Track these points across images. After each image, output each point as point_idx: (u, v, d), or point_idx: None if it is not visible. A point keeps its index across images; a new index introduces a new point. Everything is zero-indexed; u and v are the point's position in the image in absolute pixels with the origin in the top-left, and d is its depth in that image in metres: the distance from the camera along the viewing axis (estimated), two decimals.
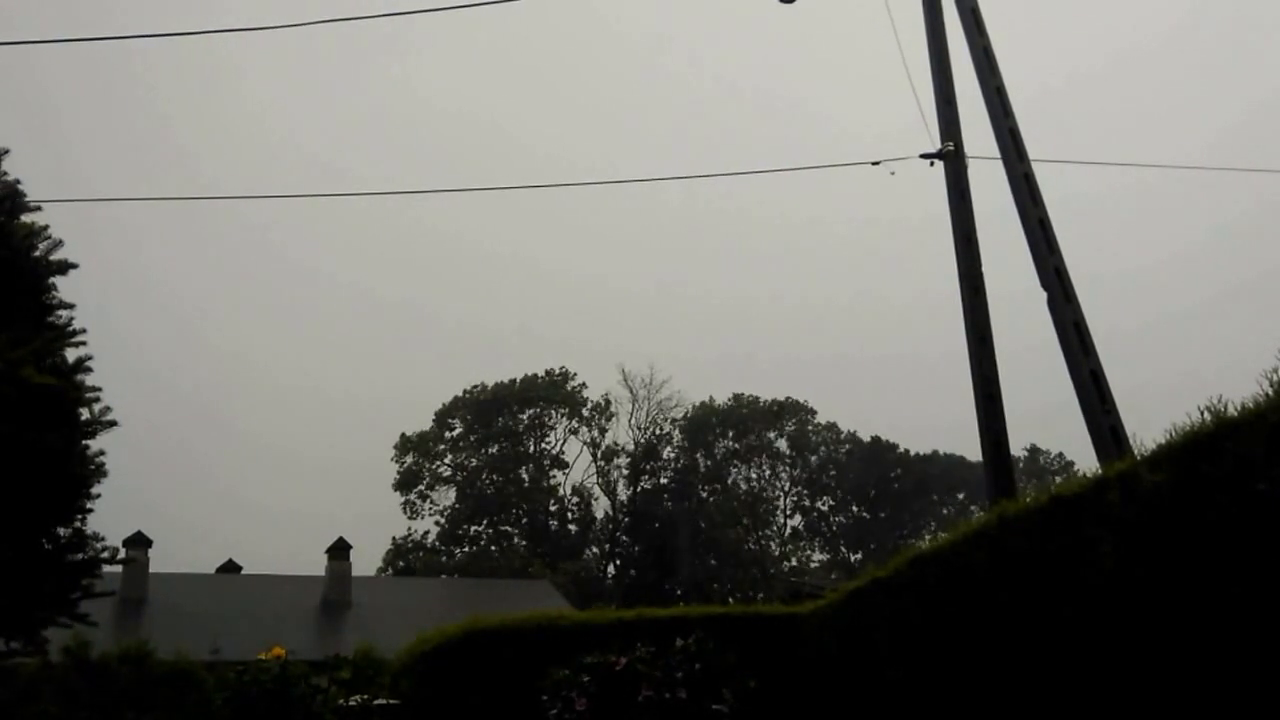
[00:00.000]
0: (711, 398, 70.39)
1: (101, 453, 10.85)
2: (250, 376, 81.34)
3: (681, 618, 12.20)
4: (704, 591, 58.83)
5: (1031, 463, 70.50)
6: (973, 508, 62.06)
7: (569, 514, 65.11)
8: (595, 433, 66.55)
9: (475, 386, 65.75)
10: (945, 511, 70.26)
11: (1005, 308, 14.63)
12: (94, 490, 10.83)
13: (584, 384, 66.31)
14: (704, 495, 67.57)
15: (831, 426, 72.48)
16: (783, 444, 71.50)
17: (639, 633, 11.17)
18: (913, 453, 71.73)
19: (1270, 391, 5.63)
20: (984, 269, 12.69)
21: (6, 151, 10.81)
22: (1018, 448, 70.26)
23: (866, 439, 71.55)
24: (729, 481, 69.49)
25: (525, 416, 65.85)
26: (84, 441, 10.67)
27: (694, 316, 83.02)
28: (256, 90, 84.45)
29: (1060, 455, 71.16)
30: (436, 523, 64.09)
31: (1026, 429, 67.57)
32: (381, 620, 30.83)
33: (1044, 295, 11.66)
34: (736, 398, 71.30)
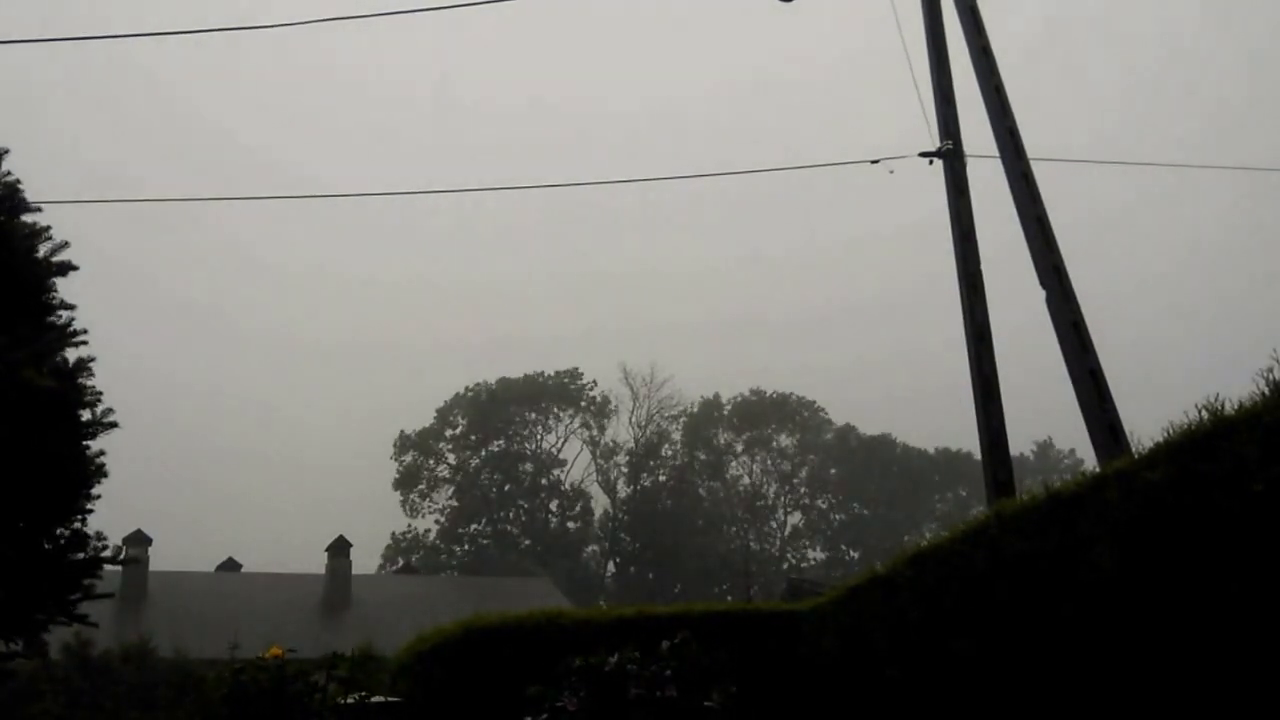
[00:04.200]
0: (716, 394, 70.42)
1: (102, 453, 10.83)
2: (250, 375, 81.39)
3: (682, 615, 12.14)
4: (704, 589, 58.87)
5: (1042, 458, 70.30)
6: (975, 505, 62.07)
7: (569, 512, 65.14)
8: (595, 430, 66.64)
9: (476, 384, 65.76)
10: (946, 508, 70.22)
11: (1016, 302, 14.61)
12: (94, 491, 10.83)
13: (583, 382, 66.38)
14: (703, 493, 67.61)
15: (832, 423, 72.44)
16: (783, 440, 71.52)
17: (640, 630, 11.13)
18: (913, 448, 71.65)
19: (1267, 391, 5.62)
20: (993, 264, 12.67)
21: (6, 151, 10.77)
22: (1029, 443, 70.26)
23: (867, 435, 71.47)
24: (729, 479, 69.51)
25: (526, 414, 65.85)
26: (84, 442, 10.66)
27: (695, 314, 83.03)
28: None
29: (1072, 451, 70.83)
30: (436, 520, 64.17)
31: (1041, 424, 67.29)
32: (382, 618, 30.86)
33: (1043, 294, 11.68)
34: (737, 396, 71.32)
